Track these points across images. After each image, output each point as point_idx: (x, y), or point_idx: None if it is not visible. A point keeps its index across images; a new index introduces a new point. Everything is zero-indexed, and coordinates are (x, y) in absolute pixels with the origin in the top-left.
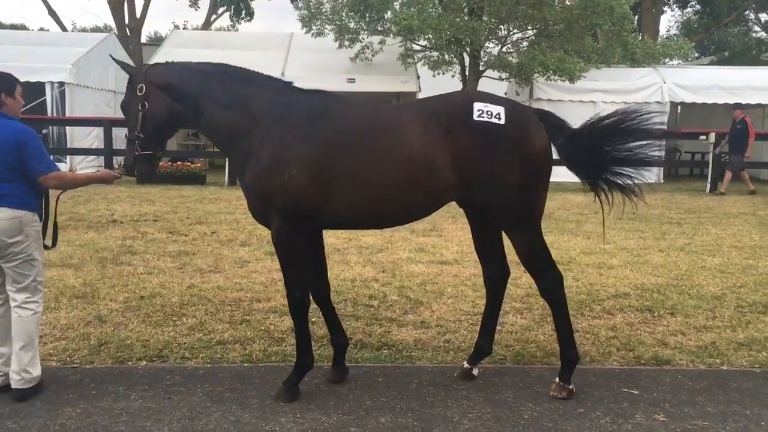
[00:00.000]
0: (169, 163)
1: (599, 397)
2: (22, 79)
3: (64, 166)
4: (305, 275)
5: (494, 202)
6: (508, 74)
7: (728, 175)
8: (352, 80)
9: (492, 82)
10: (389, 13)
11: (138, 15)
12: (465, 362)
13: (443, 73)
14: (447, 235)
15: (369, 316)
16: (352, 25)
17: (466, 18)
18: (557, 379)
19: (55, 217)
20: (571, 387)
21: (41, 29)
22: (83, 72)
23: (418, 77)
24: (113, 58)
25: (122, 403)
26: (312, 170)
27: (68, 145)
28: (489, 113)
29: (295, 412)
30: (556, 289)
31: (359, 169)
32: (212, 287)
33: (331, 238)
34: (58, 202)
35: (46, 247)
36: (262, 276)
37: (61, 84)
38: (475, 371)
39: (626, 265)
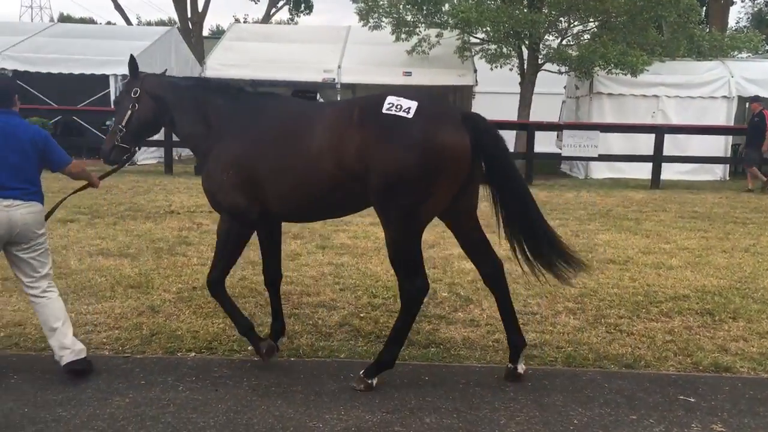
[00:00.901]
0: None
1: (653, 404)
2: (87, 72)
3: None
4: (231, 265)
5: (386, 193)
6: (567, 67)
7: (753, 170)
8: (408, 73)
9: (551, 76)
10: (447, 5)
11: (200, 9)
12: (509, 362)
13: (501, 67)
14: (502, 232)
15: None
16: (409, 17)
17: (525, 10)
18: (362, 373)
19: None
20: (370, 382)
21: (108, 23)
22: (146, 64)
23: (475, 71)
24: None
25: (170, 393)
26: (243, 169)
27: None
28: (399, 107)
29: (339, 409)
30: (414, 298)
31: (280, 163)
32: (263, 280)
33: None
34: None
35: None
36: (312, 270)
37: (125, 76)
38: (521, 368)
39: (687, 266)
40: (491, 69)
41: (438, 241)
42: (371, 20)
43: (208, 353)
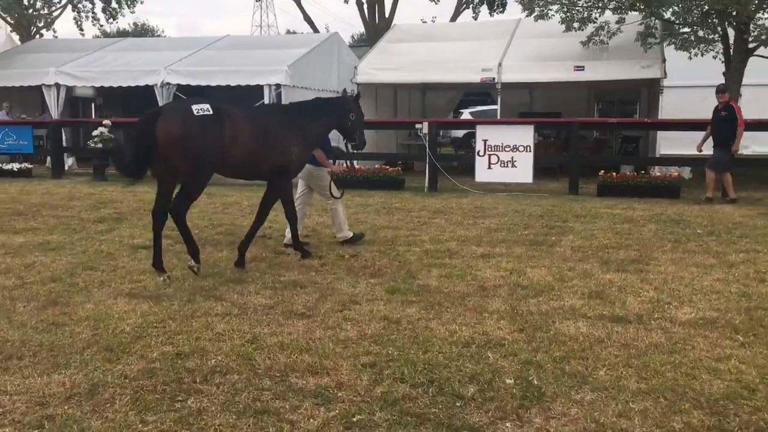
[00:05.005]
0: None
1: None
2: (242, 83)
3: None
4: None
5: None
6: None
7: (710, 175)
8: (579, 68)
9: (764, 63)
10: None
11: (387, 15)
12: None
13: (701, 54)
14: (653, 269)
15: (441, 418)
16: (581, 2)
17: None
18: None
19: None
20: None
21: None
22: (300, 73)
23: (664, 60)
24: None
25: None
26: None
27: None
28: None
29: None
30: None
31: None
32: (274, 343)
33: (491, 269)
34: None
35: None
36: (354, 329)
37: (278, 86)
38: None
39: None
40: (690, 58)
41: (554, 285)
42: (536, 9)
43: None
